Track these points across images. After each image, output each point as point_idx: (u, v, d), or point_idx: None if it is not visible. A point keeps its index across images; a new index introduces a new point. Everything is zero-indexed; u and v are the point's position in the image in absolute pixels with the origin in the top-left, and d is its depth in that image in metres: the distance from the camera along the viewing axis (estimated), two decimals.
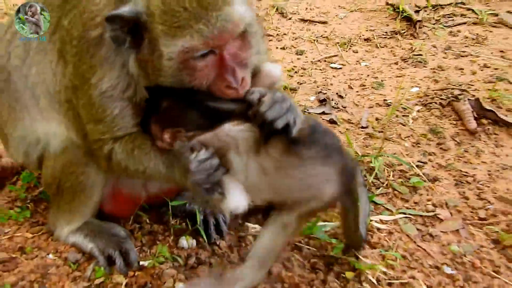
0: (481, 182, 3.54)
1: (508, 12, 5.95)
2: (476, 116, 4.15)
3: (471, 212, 3.29)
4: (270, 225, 2.53)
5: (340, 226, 2.96)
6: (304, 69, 4.92)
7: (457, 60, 5.07)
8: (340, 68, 4.94)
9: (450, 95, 4.42)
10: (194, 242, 3.00)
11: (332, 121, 4.17)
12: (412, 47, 5.26)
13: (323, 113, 4.27)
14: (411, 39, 5.47)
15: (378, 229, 3.11)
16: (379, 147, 3.73)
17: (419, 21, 5.71)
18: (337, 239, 2.96)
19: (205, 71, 2.25)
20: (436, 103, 4.39)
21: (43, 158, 2.84)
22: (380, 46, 5.34)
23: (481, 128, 4.05)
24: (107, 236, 2.93)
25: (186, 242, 2.99)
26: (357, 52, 5.22)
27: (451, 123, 4.15)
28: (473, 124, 4.07)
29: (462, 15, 5.99)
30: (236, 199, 2.25)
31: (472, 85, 4.63)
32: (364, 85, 4.68)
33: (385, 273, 2.77)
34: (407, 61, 5.08)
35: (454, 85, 4.58)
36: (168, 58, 2.22)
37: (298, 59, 5.07)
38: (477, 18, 5.78)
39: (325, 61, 5.05)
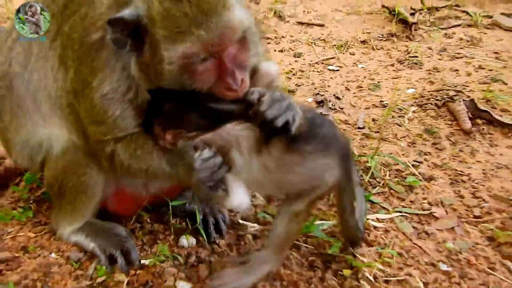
0: (476, 181, 3.54)
1: (502, 14, 5.96)
2: (471, 116, 4.16)
3: (466, 210, 3.29)
4: (282, 215, 2.60)
5: (337, 223, 2.97)
6: (302, 71, 4.92)
7: (452, 62, 5.07)
8: (337, 70, 4.95)
9: (445, 96, 4.42)
10: (194, 241, 3.00)
11: None
12: (408, 49, 5.27)
13: (321, 114, 4.26)
14: (407, 41, 5.48)
15: (375, 227, 3.10)
16: (376, 147, 3.73)
17: (414, 23, 5.72)
18: (335, 238, 2.95)
19: (205, 74, 2.26)
20: (431, 103, 4.40)
21: (45, 161, 2.84)
22: (377, 48, 5.35)
23: (476, 128, 4.06)
24: (109, 235, 2.93)
25: (186, 241, 2.98)
26: (354, 54, 5.23)
27: (446, 124, 4.15)
28: (468, 124, 4.07)
29: (456, 17, 6.00)
30: (239, 196, 2.28)
31: (467, 86, 4.64)
32: (360, 87, 4.69)
33: (382, 271, 2.77)
34: (403, 62, 5.08)
35: (449, 86, 4.58)
36: (169, 62, 2.23)
37: (296, 61, 5.08)
38: (472, 20, 5.78)
39: (322, 63, 5.06)
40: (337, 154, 2.46)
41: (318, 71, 4.91)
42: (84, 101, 2.54)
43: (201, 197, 3.09)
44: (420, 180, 3.52)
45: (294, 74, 4.81)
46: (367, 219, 3.11)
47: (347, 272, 2.75)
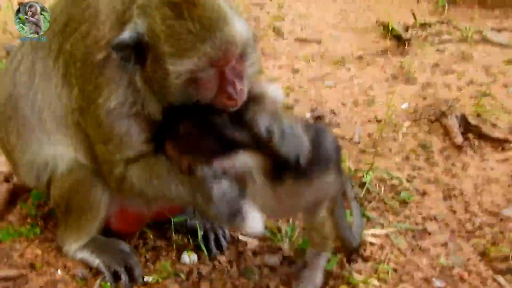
0: (468, 195, 3.52)
1: (492, 29, 5.93)
2: (462, 131, 4.13)
3: (459, 225, 3.26)
4: (313, 222, 2.68)
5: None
6: (300, 86, 4.90)
7: (444, 77, 5.03)
8: (334, 86, 4.92)
9: (438, 111, 4.39)
10: (195, 257, 2.98)
11: None
12: (401, 65, 5.24)
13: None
14: (401, 56, 5.44)
15: (371, 243, 3.08)
16: (371, 162, 3.70)
17: (407, 39, 5.68)
18: (332, 253, 2.92)
19: (208, 85, 2.26)
20: (424, 118, 4.37)
21: (51, 180, 2.81)
22: (371, 63, 5.31)
23: (467, 143, 4.02)
24: (113, 252, 2.91)
25: (188, 257, 2.96)
26: (349, 70, 5.20)
27: (439, 138, 4.11)
28: (459, 139, 4.04)
29: (448, 33, 5.97)
30: (254, 224, 2.30)
31: (459, 100, 4.60)
32: (356, 102, 4.66)
33: (378, 286, 2.74)
34: (397, 78, 5.05)
35: (441, 101, 4.54)
36: (176, 76, 2.22)
37: (294, 77, 5.05)
38: (463, 35, 5.75)
39: (319, 79, 5.03)
40: (335, 167, 2.54)
41: (315, 87, 4.88)
42: (91, 119, 2.52)
43: (216, 223, 3.06)
44: (414, 195, 3.49)
45: (292, 90, 4.79)
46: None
47: None
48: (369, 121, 4.40)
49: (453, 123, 4.18)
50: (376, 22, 6.04)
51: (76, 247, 2.93)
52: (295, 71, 5.17)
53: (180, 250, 3.01)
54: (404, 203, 3.43)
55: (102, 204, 2.79)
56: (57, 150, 2.75)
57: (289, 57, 5.45)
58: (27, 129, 2.78)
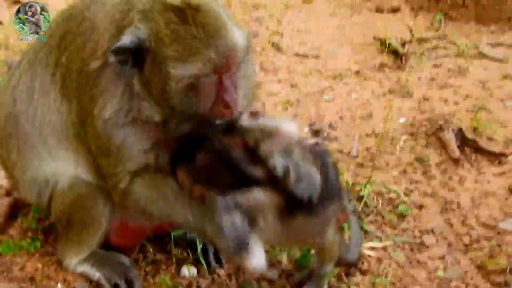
0: (465, 208, 3.52)
1: (488, 44, 5.98)
2: (459, 145, 4.15)
3: (456, 238, 3.26)
4: (323, 244, 2.71)
5: None
6: (299, 101, 4.93)
7: (441, 91, 5.07)
8: (332, 100, 4.95)
9: (434, 125, 4.42)
10: (195, 270, 2.98)
11: None
12: (398, 79, 5.28)
13: (316, 143, 4.26)
14: (398, 71, 5.48)
15: (369, 256, 3.08)
16: (369, 176, 3.71)
17: (404, 54, 5.73)
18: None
19: (207, 92, 2.27)
20: (421, 132, 4.39)
21: (52, 196, 2.81)
22: (369, 78, 5.35)
23: (464, 157, 4.04)
24: (113, 265, 2.91)
25: (187, 271, 2.96)
26: (347, 84, 5.23)
27: (436, 152, 4.13)
28: (456, 153, 4.06)
29: (444, 47, 6.02)
30: (258, 261, 2.31)
31: (455, 114, 4.63)
32: (354, 116, 4.69)
33: None
34: (394, 92, 5.08)
35: (438, 115, 4.58)
36: (177, 80, 2.22)
37: (292, 92, 5.09)
38: (459, 50, 5.80)
39: (317, 93, 5.06)
40: (338, 196, 2.59)
41: (313, 101, 4.92)
42: (89, 131, 2.51)
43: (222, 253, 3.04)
44: (412, 209, 3.50)
45: (291, 105, 4.82)
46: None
47: None
48: (367, 135, 4.42)
49: (450, 137, 4.20)
50: (374, 37, 6.09)
51: (76, 261, 2.92)
52: (294, 86, 5.20)
53: (179, 264, 3.01)
54: (401, 216, 3.44)
55: (103, 219, 2.79)
56: (58, 166, 2.75)
57: (288, 71, 5.49)
58: (27, 146, 2.78)
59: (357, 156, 4.13)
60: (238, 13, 6.49)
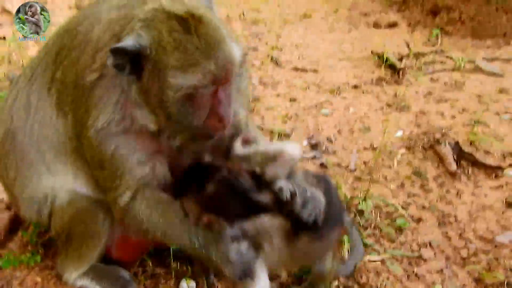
0: (462, 222, 3.53)
1: (484, 58, 6.02)
2: (456, 158, 4.16)
3: (454, 251, 3.26)
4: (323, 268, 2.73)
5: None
6: (297, 115, 4.95)
7: (438, 105, 5.09)
8: (330, 114, 4.97)
9: (432, 139, 4.43)
10: (194, 284, 2.97)
11: (322, 165, 4.17)
12: (396, 93, 5.30)
13: (314, 157, 4.28)
14: (395, 85, 5.51)
15: (367, 269, 3.08)
16: (366, 189, 3.72)
17: (402, 68, 5.77)
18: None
19: (203, 103, 2.27)
20: (419, 146, 4.40)
21: (52, 212, 2.80)
22: (367, 92, 5.38)
23: (461, 170, 4.05)
24: (113, 279, 2.90)
25: (186, 285, 2.95)
26: (345, 98, 5.26)
27: (433, 166, 4.14)
28: (453, 166, 4.07)
29: (441, 62, 6.06)
30: (262, 284, 2.33)
31: (452, 128, 4.65)
32: (352, 130, 4.71)
33: None
34: (392, 106, 5.11)
35: (435, 129, 4.60)
36: (176, 90, 2.22)
37: (291, 105, 5.11)
38: (455, 65, 5.84)
39: (316, 107, 5.09)
40: (340, 221, 2.64)
41: (312, 115, 4.94)
42: (84, 143, 2.50)
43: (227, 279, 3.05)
44: (409, 222, 3.50)
45: (289, 119, 4.85)
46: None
47: None
48: (365, 148, 4.43)
49: (447, 150, 4.22)
50: (371, 52, 6.13)
51: (76, 275, 2.92)
52: (292, 100, 5.22)
53: (178, 277, 3.00)
54: (399, 229, 3.44)
55: (102, 233, 2.79)
56: (56, 181, 2.74)
57: (287, 86, 5.52)
58: (25, 162, 2.77)
59: (355, 170, 4.14)
60: (238, 28, 6.55)
